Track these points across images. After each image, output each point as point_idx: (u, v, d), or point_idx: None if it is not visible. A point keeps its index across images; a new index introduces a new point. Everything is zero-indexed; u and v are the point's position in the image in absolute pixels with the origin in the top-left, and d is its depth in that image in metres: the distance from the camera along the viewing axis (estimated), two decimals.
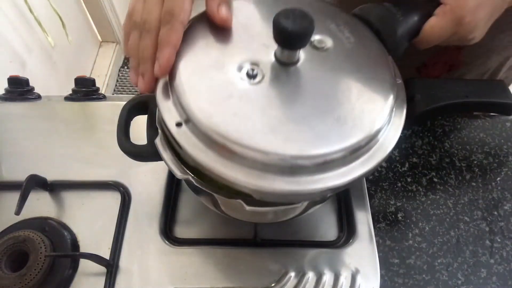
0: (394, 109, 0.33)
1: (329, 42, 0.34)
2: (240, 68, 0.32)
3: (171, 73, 0.32)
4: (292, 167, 0.29)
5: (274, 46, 0.31)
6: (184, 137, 0.30)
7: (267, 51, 0.32)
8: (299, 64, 0.32)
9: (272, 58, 0.32)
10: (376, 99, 0.32)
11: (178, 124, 0.30)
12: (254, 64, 0.32)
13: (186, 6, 0.31)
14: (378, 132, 0.31)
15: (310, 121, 0.30)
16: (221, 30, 0.34)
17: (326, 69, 0.33)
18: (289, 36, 0.29)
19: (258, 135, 0.28)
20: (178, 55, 0.32)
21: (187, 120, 0.30)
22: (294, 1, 0.36)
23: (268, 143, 0.28)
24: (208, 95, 0.30)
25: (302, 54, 0.33)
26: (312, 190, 0.29)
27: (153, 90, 0.32)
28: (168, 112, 0.31)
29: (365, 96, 0.32)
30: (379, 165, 0.32)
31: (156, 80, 0.32)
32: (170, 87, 0.32)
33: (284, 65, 0.32)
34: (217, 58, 0.32)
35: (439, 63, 0.57)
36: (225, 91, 0.30)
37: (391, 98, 0.32)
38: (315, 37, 0.34)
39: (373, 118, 0.31)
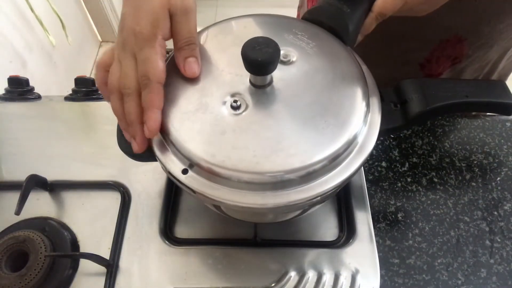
0: (368, 108, 0.35)
1: (293, 54, 0.36)
2: (223, 103, 0.33)
3: (163, 126, 0.33)
4: (304, 177, 0.31)
5: (246, 74, 0.33)
6: (194, 181, 0.32)
7: (242, 79, 0.34)
8: (273, 83, 0.34)
9: (248, 84, 0.34)
10: (349, 102, 0.34)
11: (184, 171, 0.32)
12: (235, 95, 0.34)
13: (160, 65, 0.32)
14: (356, 136, 0.33)
15: (300, 134, 0.32)
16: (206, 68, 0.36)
17: (298, 81, 0.35)
18: (260, 65, 0.31)
19: (261, 160, 0.30)
20: (164, 107, 0.33)
21: (191, 165, 0.32)
22: (248, 23, 0.39)
23: (273, 164, 0.30)
24: (203, 137, 0.32)
25: (274, 73, 0.34)
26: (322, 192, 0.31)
27: (146, 148, 0.33)
28: (172, 163, 0.32)
29: (339, 100, 0.34)
30: (364, 163, 0.34)
31: (148, 140, 0.33)
32: (165, 140, 0.33)
33: (260, 87, 0.34)
34: (199, 100, 0.34)
35: (442, 57, 0.57)
36: (217, 128, 0.32)
37: (364, 101, 0.34)
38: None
39: (350, 122, 0.33)
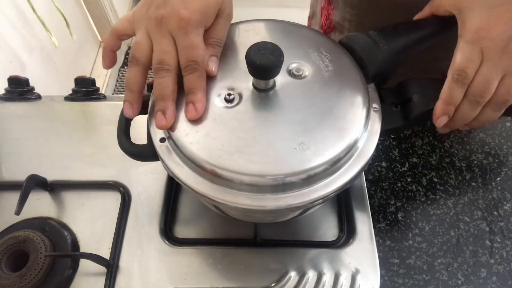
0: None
1: (307, 70, 0.36)
2: (219, 94, 0.35)
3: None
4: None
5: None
6: (165, 151, 0.34)
7: (247, 77, 0.35)
8: (274, 90, 0.35)
9: (250, 85, 0.35)
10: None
11: (162, 140, 0.34)
12: (232, 89, 0.35)
13: (205, 53, 0.34)
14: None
15: (274, 143, 0.32)
16: None
17: (301, 93, 0.35)
18: (259, 69, 0.31)
19: (224, 155, 0.31)
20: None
21: (169, 137, 0.34)
22: (282, 28, 0.39)
23: (233, 163, 0.31)
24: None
25: (279, 81, 0.35)
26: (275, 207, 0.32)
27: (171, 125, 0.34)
28: (153, 131, 0.35)
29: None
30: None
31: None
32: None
33: (260, 91, 0.35)
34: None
35: None
36: (203, 113, 0.33)
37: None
38: (292, 65, 0.36)
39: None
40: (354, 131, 0.33)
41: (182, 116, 0.34)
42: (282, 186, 0.31)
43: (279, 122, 0.33)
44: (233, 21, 0.39)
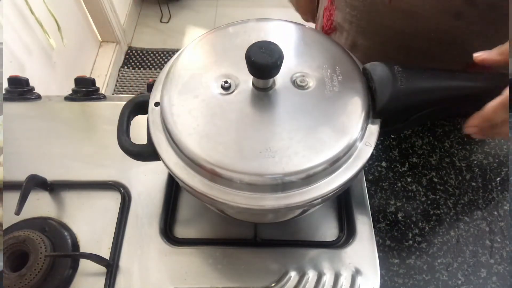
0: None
1: (311, 83, 0.35)
2: (217, 80, 0.35)
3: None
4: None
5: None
6: (155, 116, 0.36)
7: (247, 77, 0.35)
8: (272, 91, 0.35)
9: (251, 81, 0.35)
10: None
11: (156, 104, 0.36)
12: (231, 79, 0.35)
13: None
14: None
15: (247, 142, 0.32)
16: (221, 54, 0.38)
17: (294, 103, 0.34)
18: (254, 67, 0.31)
19: (194, 135, 0.32)
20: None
21: (160, 104, 0.35)
22: (310, 37, 0.39)
23: (197, 145, 0.32)
24: (181, 90, 0.35)
25: (279, 85, 0.35)
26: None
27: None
28: (153, 95, 0.37)
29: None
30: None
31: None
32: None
33: (258, 89, 0.35)
34: (206, 72, 0.36)
35: None
36: (194, 91, 0.35)
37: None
38: (298, 75, 0.36)
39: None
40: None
41: (174, 90, 0.35)
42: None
43: (260, 123, 0.33)
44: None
